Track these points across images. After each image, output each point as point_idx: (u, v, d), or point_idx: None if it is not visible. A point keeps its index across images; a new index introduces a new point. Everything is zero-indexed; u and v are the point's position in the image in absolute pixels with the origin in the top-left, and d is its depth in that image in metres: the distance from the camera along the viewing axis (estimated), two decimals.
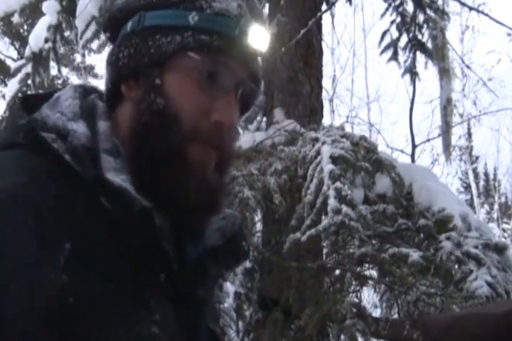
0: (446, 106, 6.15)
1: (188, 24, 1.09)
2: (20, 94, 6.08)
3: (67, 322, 0.86)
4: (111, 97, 1.14)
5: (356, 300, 4.13)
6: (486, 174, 30.24)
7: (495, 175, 29.20)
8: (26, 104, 1.08)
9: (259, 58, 1.18)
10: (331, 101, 19.18)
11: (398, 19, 6.58)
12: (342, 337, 3.71)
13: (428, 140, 16.48)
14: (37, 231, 0.87)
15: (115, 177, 0.97)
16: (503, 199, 30.01)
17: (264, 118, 6.04)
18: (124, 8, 1.16)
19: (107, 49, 6.06)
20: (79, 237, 0.91)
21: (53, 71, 8.67)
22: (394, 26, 6.60)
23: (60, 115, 1.04)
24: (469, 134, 25.46)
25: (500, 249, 4.29)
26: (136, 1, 1.14)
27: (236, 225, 1.18)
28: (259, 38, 1.13)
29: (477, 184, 27.41)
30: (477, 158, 29.17)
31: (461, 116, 20.77)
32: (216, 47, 1.08)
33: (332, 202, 3.93)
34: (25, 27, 17.68)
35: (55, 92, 1.13)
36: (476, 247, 4.17)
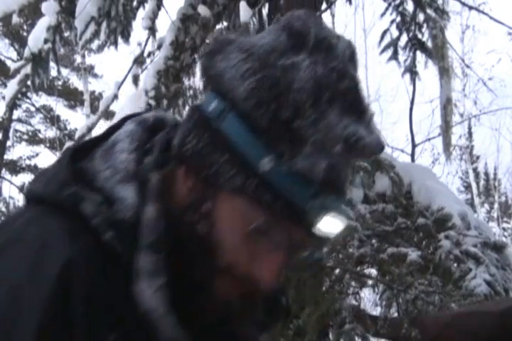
0: (446, 105, 6.15)
1: (255, 168, 0.88)
2: (19, 95, 6.08)
3: None
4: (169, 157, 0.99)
5: (355, 303, 4.14)
6: (487, 173, 30.16)
7: (495, 174, 29.17)
8: (81, 147, 1.00)
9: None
10: None
11: (398, 18, 6.56)
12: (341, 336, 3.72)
13: (428, 139, 16.48)
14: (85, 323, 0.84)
15: (148, 289, 0.88)
16: (503, 199, 29.98)
17: None
18: (215, 82, 0.95)
19: (107, 49, 6.07)
20: (122, 328, 0.87)
21: (53, 72, 8.67)
22: (394, 26, 6.59)
23: (111, 174, 0.95)
24: (470, 134, 25.44)
25: (499, 248, 4.30)
26: (227, 88, 0.92)
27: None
28: (331, 224, 0.91)
29: (477, 183, 27.38)
30: (477, 157, 29.12)
31: (462, 115, 20.78)
32: (280, 213, 0.89)
33: None
34: (25, 28, 17.71)
35: (117, 128, 1.03)
36: (475, 246, 4.18)
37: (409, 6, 6.54)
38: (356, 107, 0.91)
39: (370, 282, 4.23)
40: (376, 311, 4.54)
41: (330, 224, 0.90)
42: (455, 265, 4.09)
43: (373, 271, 4.41)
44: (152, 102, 5.23)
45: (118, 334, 0.86)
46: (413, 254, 3.93)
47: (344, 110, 0.89)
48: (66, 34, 6.39)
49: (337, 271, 4.23)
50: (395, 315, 4.15)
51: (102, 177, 0.94)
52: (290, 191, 0.88)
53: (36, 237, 0.89)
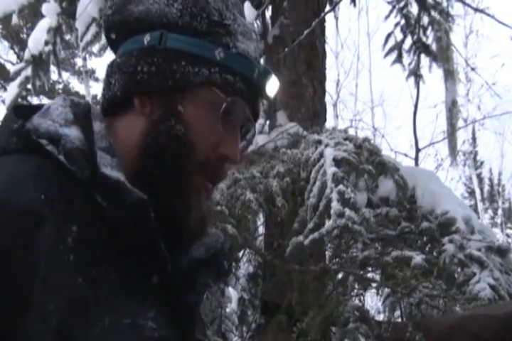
0: (452, 108, 6.09)
1: (214, 59, 1.13)
2: (19, 99, 6.04)
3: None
4: (115, 104, 1.17)
5: (359, 304, 4.11)
6: (491, 179, 30.18)
7: (499, 180, 29.19)
8: (18, 113, 1.09)
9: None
10: (334, 105, 19.20)
11: (402, 21, 6.56)
12: (345, 340, 3.69)
13: (432, 143, 16.48)
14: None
15: (111, 172, 1.02)
16: (507, 205, 29.98)
17: (267, 121, 6.01)
18: (143, 21, 1.16)
19: (108, 52, 6.03)
20: (82, 224, 0.96)
21: (54, 75, 8.64)
22: (398, 28, 6.58)
23: (52, 122, 1.05)
24: (474, 139, 25.47)
25: (502, 252, 4.27)
26: (159, 17, 1.15)
27: (219, 243, 1.23)
28: (272, 84, 1.20)
29: (481, 189, 27.41)
30: (481, 163, 29.15)
31: (465, 120, 20.78)
32: (239, 89, 1.14)
33: (335, 205, 3.90)
34: (25, 30, 17.71)
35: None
36: (479, 250, 4.15)
37: (414, 9, 6.53)
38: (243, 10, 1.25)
39: (373, 285, 4.20)
40: (379, 318, 4.50)
41: (271, 84, 1.20)
42: (459, 269, 4.06)
43: (377, 276, 4.38)
44: None
45: (80, 228, 0.95)
46: (417, 258, 3.90)
47: (240, 13, 1.22)
48: (67, 37, 6.37)
49: (340, 274, 4.20)
50: (399, 319, 4.12)
51: (44, 126, 1.04)
52: (242, 68, 1.15)
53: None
